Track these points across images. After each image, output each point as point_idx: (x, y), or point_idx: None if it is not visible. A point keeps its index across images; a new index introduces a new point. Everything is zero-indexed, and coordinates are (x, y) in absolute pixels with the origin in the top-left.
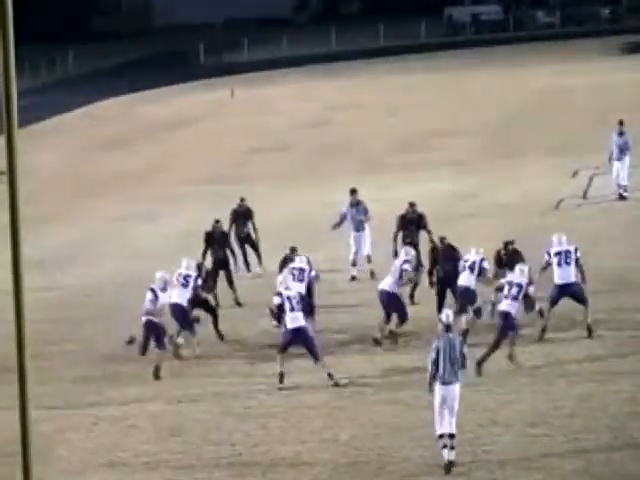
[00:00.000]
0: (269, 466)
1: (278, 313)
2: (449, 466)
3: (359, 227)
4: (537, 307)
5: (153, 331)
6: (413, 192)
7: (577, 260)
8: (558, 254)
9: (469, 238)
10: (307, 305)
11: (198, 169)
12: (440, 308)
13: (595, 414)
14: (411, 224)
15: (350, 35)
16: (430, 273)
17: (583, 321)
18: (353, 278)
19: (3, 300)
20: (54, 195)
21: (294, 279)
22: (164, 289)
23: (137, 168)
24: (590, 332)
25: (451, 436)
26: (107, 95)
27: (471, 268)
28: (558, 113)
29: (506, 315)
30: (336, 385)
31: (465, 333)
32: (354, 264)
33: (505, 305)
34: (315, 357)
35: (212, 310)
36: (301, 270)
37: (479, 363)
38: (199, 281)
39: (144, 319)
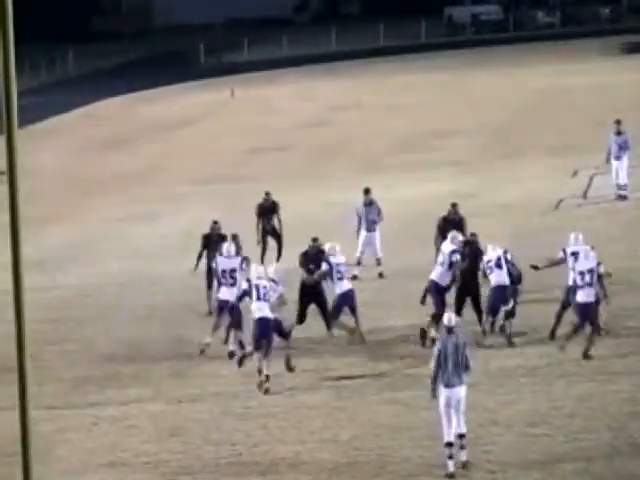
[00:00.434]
0: (269, 466)
1: (239, 297)
2: (463, 467)
3: (371, 227)
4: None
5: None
6: (413, 192)
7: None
8: (574, 254)
9: None
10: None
11: (198, 169)
12: (459, 312)
13: (595, 414)
14: (453, 226)
15: (350, 35)
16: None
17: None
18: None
19: (3, 300)
20: (54, 195)
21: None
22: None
23: (137, 168)
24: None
25: (461, 436)
26: (107, 95)
27: (498, 265)
28: (558, 113)
29: (586, 306)
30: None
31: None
32: (358, 263)
33: (583, 296)
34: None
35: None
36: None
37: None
38: None
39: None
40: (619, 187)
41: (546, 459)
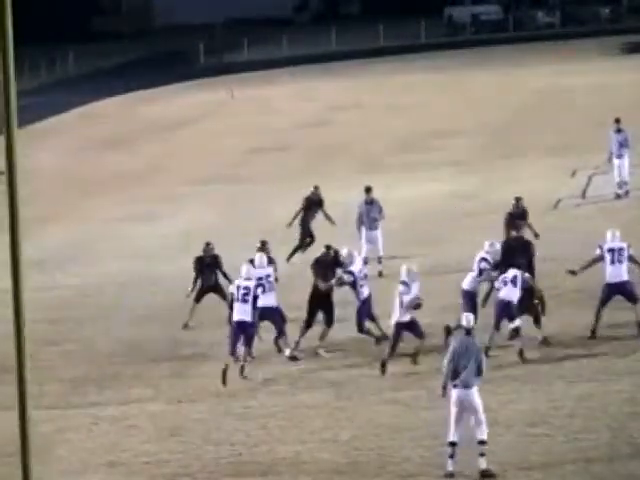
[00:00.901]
0: (269, 466)
1: (230, 305)
2: (484, 474)
3: (372, 226)
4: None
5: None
6: (414, 192)
7: (630, 257)
8: (611, 251)
9: (468, 238)
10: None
11: (198, 169)
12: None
13: (595, 414)
14: (519, 219)
15: (350, 35)
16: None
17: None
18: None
19: (2, 299)
20: (53, 195)
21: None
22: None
23: (136, 168)
24: None
25: (481, 442)
26: (107, 95)
27: (513, 282)
28: (558, 113)
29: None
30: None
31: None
32: (365, 262)
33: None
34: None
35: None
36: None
37: None
38: None
39: None
40: (620, 185)
41: (546, 459)
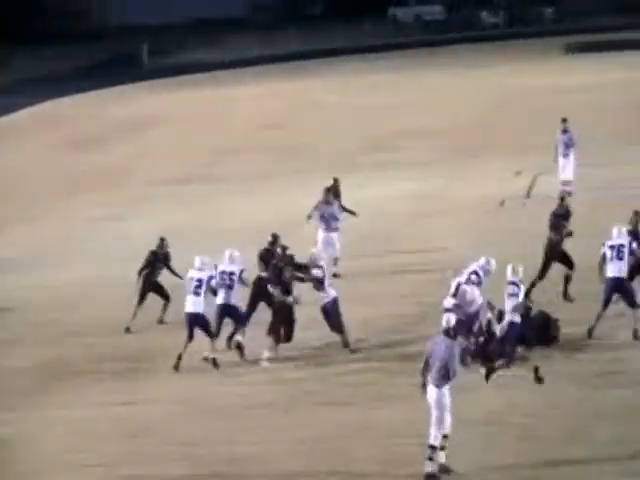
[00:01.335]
0: (229, 465)
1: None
2: (442, 469)
3: (329, 227)
4: None
5: None
6: (384, 191)
7: (632, 252)
8: (612, 247)
9: (422, 237)
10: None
11: (162, 169)
12: None
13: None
14: (563, 219)
15: (310, 35)
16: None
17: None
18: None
19: None
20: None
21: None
22: None
23: (93, 169)
24: (636, 336)
25: (444, 436)
26: (57, 95)
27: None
28: (506, 114)
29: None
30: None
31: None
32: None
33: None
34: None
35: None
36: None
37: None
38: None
39: None
40: (565, 183)
41: (506, 462)
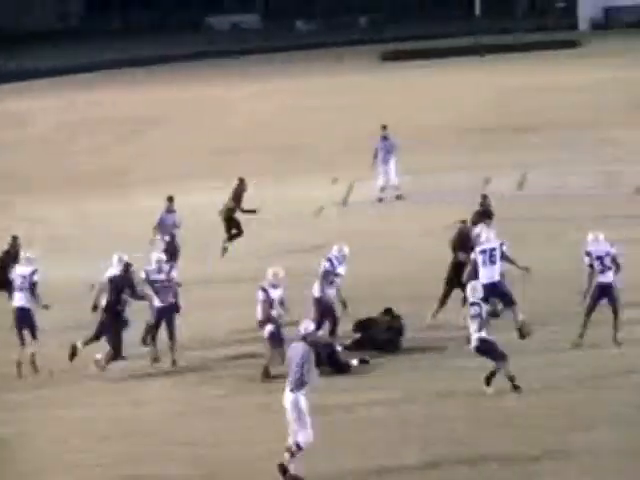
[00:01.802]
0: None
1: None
2: (281, 468)
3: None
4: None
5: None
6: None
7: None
8: (483, 252)
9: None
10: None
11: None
12: None
13: None
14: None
15: (120, 45)
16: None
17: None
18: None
19: None
20: None
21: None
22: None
23: None
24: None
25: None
26: None
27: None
28: (323, 122)
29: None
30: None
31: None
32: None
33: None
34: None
35: None
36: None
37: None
38: None
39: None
40: (383, 189)
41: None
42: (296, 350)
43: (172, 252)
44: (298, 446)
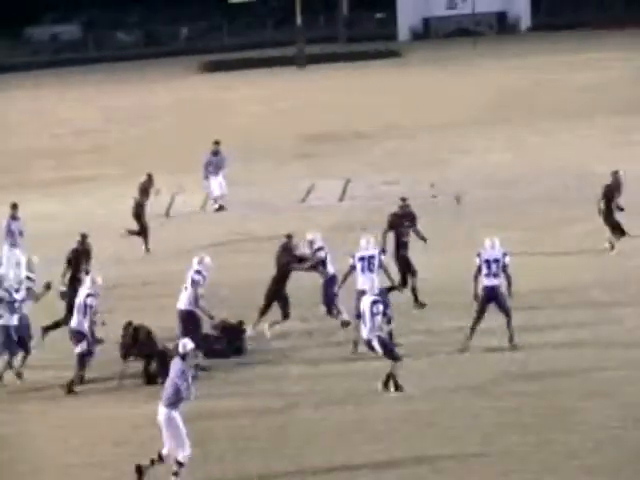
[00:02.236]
0: None
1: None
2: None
3: (16, 243)
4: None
5: None
6: None
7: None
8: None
9: None
10: None
11: None
12: None
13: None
14: (406, 221)
15: None
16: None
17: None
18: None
19: None
20: None
21: None
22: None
23: None
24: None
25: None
26: None
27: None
28: (145, 132)
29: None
30: None
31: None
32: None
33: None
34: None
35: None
36: None
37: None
38: None
39: None
40: (217, 200)
41: None
42: (174, 367)
43: None
44: (180, 464)
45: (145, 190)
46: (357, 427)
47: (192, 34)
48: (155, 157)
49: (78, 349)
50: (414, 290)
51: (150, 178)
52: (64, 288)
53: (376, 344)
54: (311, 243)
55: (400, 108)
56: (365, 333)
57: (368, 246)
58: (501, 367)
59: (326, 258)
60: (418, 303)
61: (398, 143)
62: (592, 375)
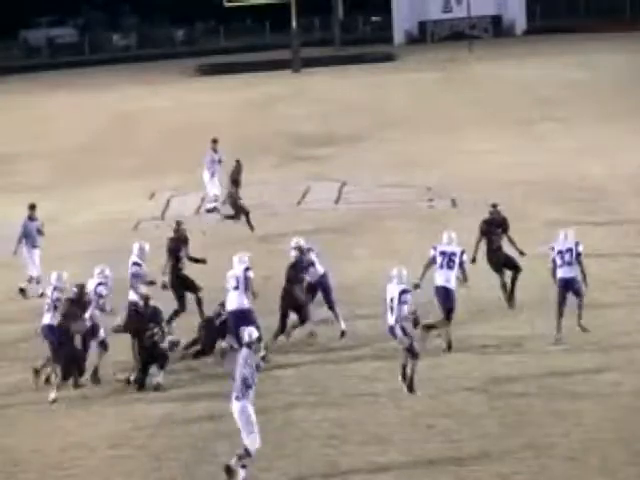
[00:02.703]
0: None
1: None
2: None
3: (35, 243)
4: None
5: None
6: None
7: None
8: (443, 254)
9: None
10: None
11: None
12: None
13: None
14: (497, 228)
15: None
16: None
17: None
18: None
19: None
20: None
21: None
22: None
23: None
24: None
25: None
26: None
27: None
28: (139, 135)
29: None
30: None
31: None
32: (38, 282)
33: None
34: None
35: None
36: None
37: None
38: None
39: None
40: (212, 200)
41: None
42: (240, 357)
43: None
44: (247, 452)
45: (235, 181)
46: (354, 429)
47: (188, 37)
48: (153, 159)
49: (100, 337)
50: (513, 286)
51: (239, 164)
52: (166, 278)
53: (399, 331)
54: (299, 249)
55: (395, 111)
56: (391, 320)
57: (451, 242)
58: (501, 368)
59: (315, 259)
60: (511, 302)
61: (393, 146)
62: (591, 376)
